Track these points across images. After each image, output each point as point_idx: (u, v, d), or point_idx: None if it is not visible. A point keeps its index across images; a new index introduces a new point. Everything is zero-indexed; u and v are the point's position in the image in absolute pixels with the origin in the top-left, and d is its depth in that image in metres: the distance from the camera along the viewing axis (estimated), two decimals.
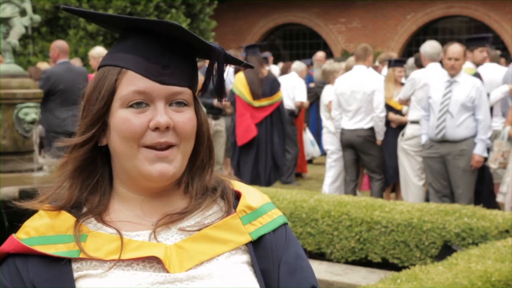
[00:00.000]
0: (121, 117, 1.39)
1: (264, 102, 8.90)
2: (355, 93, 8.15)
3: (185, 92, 1.42)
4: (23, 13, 6.52)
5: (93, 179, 1.46)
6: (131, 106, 1.39)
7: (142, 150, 1.39)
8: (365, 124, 8.18)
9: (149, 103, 1.39)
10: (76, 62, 10.20)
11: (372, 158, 8.31)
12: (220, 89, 1.46)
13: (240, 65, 1.50)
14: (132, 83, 1.39)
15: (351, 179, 8.47)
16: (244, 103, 8.92)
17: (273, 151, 9.06)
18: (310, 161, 12.75)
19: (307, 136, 12.00)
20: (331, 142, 8.88)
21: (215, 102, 8.56)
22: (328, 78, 9.59)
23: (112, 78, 1.41)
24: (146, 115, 1.39)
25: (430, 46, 8.13)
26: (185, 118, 1.41)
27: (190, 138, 1.43)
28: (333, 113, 8.55)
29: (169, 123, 1.38)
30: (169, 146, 1.40)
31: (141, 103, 1.39)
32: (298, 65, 11.87)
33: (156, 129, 1.38)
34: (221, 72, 1.43)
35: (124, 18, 1.44)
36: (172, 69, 1.41)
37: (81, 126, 1.44)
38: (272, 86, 9.00)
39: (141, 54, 1.41)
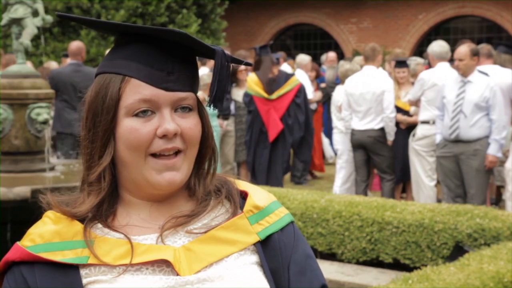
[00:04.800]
0: (127, 127, 1.37)
1: (280, 91, 8.99)
2: (364, 94, 8.14)
3: (190, 97, 1.40)
4: (35, 13, 6.54)
5: (103, 187, 1.42)
6: (136, 114, 1.37)
7: (149, 159, 1.37)
8: (375, 125, 8.16)
9: (155, 110, 1.37)
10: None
11: (383, 158, 8.29)
12: (221, 92, 1.40)
13: (240, 64, 1.47)
14: (137, 91, 1.36)
15: (362, 180, 8.45)
16: (263, 100, 9.01)
17: (292, 147, 9.17)
18: None
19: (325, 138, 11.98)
20: (341, 142, 8.87)
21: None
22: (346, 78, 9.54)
23: (115, 86, 1.37)
24: (153, 123, 1.37)
25: (438, 46, 8.11)
26: (192, 123, 1.40)
27: (196, 143, 1.42)
28: (343, 114, 8.54)
29: (177, 130, 1.36)
30: (176, 152, 1.38)
31: (146, 111, 1.37)
32: (301, 58, 11.46)
33: (164, 136, 1.36)
34: (226, 73, 1.40)
35: (125, 26, 1.41)
36: (176, 75, 1.39)
37: (96, 145, 1.39)
38: (286, 79, 9.10)
39: (144, 62, 1.38)
